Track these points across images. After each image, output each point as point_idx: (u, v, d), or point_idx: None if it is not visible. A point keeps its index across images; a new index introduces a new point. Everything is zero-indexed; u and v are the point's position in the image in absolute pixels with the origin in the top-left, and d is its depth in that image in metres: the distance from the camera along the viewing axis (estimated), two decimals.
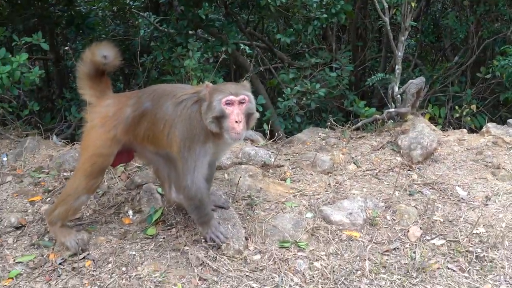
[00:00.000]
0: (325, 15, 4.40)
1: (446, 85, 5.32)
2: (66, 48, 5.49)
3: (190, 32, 4.83)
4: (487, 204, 2.97)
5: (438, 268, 2.45)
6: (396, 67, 4.27)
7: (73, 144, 3.64)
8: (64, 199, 2.44)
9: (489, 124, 4.04)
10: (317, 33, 5.02)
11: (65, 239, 2.41)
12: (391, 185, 3.20)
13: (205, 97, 2.29)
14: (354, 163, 3.53)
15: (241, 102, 2.25)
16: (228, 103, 2.23)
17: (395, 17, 4.62)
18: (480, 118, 4.95)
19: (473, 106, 4.60)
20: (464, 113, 4.53)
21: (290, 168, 3.45)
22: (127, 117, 2.36)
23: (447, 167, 3.46)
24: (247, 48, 5.39)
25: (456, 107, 4.70)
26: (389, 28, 4.28)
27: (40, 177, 3.14)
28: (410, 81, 3.99)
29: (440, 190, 3.15)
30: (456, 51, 5.80)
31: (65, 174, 3.17)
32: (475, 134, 4.11)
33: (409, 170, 3.46)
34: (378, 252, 2.57)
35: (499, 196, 3.05)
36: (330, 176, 3.38)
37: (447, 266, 2.47)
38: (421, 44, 6.38)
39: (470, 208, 2.95)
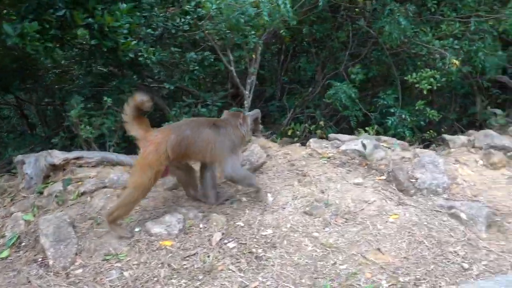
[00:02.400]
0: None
1: (304, 108, 6.87)
2: None
3: None
4: (284, 208, 3.63)
5: (222, 270, 3.06)
6: (245, 102, 5.44)
7: None
8: (125, 205, 3.36)
9: (311, 140, 4.82)
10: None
11: (120, 232, 3.41)
12: None
13: (244, 124, 3.73)
14: None
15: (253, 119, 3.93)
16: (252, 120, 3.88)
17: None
18: (330, 130, 6.01)
19: (322, 122, 6.02)
20: (313, 127, 5.98)
21: None
22: (172, 141, 3.35)
23: (268, 177, 4.11)
24: None
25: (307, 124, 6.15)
26: (235, 74, 5.46)
27: None
28: (247, 113, 4.66)
29: (255, 198, 3.78)
30: (310, 84, 7.25)
31: None
32: (302, 147, 4.80)
33: None
34: (181, 258, 3.21)
35: (296, 199, 3.70)
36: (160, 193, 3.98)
37: (229, 267, 3.10)
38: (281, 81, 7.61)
39: (270, 212, 3.60)
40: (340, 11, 6.24)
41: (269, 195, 3.79)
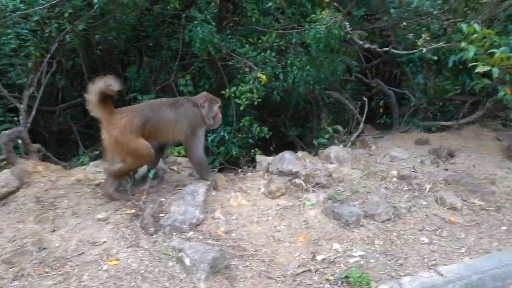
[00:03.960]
0: None
1: None
2: None
3: None
4: None
5: None
6: (20, 117, 4.78)
7: None
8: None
9: (92, 163, 4.32)
10: None
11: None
12: None
13: (204, 104, 3.77)
14: None
15: (220, 107, 3.92)
16: (219, 108, 3.88)
17: None
18: None
19: None
20: None
21: None
22: (136, 124, 3.49)
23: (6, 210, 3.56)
24: None
25: None
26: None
27: None
28: (3, 132, 4.12)
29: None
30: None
31: None
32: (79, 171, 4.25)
33: None
34: None
35: (12, 242, 3.13)
36: None
37: None
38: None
39: None
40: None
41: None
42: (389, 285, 2.90)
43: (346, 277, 2.91)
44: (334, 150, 4.67)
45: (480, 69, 3.88)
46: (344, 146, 5.31)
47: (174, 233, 3.23)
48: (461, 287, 2.90)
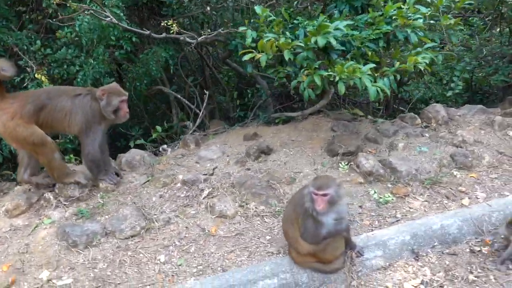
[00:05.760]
0: None
1: None
2: None
3: None
4: None
5: None
6: None
7: None
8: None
9: None
10: None
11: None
12: None
13: (102, 97, 3.40)
14: None
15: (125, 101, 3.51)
16: (122, 101, 3.49)
17: None
18: None
19: None
20: None
21: None
22: (27, 110, 3.21)
23: None
24: None
25: None
26: None
27: None
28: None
29: None
30: None
31: None
32: None
33: None
34: None
35: None
36: None
37: None
38: None
39: None
40: None
41: None
42: None
43: None
44: (129, 155, 4.18)
45: (247, 56, 3.39)
46: (168, 145, 4.83)
47: None
48: None
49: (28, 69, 4.13)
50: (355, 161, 4.04)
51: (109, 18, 3.67)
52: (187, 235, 3.20)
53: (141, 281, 2.78)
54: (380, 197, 3.68)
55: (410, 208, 3.57)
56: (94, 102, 3.42)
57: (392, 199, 3.68)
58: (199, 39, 4.21)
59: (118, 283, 2.76)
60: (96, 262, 2.92)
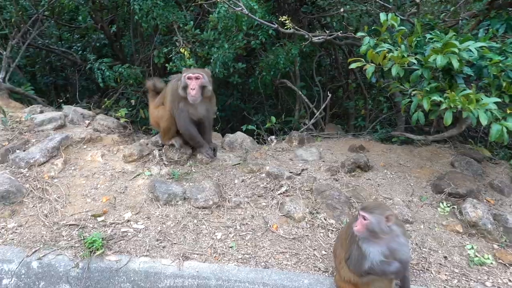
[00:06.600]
0: None
1: None
2: None
3: None
4: None
5: None
6: None
7: None
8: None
9: None
10: None
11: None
12: None
13: (180, 76, 3.66)
14: None
15: (197, 78, 3.57)
16: (189, 78, 3.57)
17: None
18: None
19: None
20: None
21: None
22: (157, 101, 4.07)
23: None
24: None
25: None
26: None
27: None
28: None
29: None
30: None
31: None
32: None
33: None
34: None
35: None
36: None
37: None
38: None
39: None
40: None
41: None
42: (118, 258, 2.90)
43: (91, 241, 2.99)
44: (232, 137, 4.51)
45: (354, 65, 3.17)
46: (276, 137, 5.00)
47: (13, 167, 3.76)
48: None
49: (177, 44, 4.80)
50: (460, 205, 3.47)
51: (240, 8, 3.97)
52: (249, 223, 3.33)
53: (193, 248, 3.05)
54: (476, 256, 3.10)
55: (510, 281, 2.92)
56: (177, 83, 3.73)
57: (491, 263, 3.06)
58: (313, 38, 4.19)
59: (175, 243, 3.09)
60: (167, 219, 3.32)
